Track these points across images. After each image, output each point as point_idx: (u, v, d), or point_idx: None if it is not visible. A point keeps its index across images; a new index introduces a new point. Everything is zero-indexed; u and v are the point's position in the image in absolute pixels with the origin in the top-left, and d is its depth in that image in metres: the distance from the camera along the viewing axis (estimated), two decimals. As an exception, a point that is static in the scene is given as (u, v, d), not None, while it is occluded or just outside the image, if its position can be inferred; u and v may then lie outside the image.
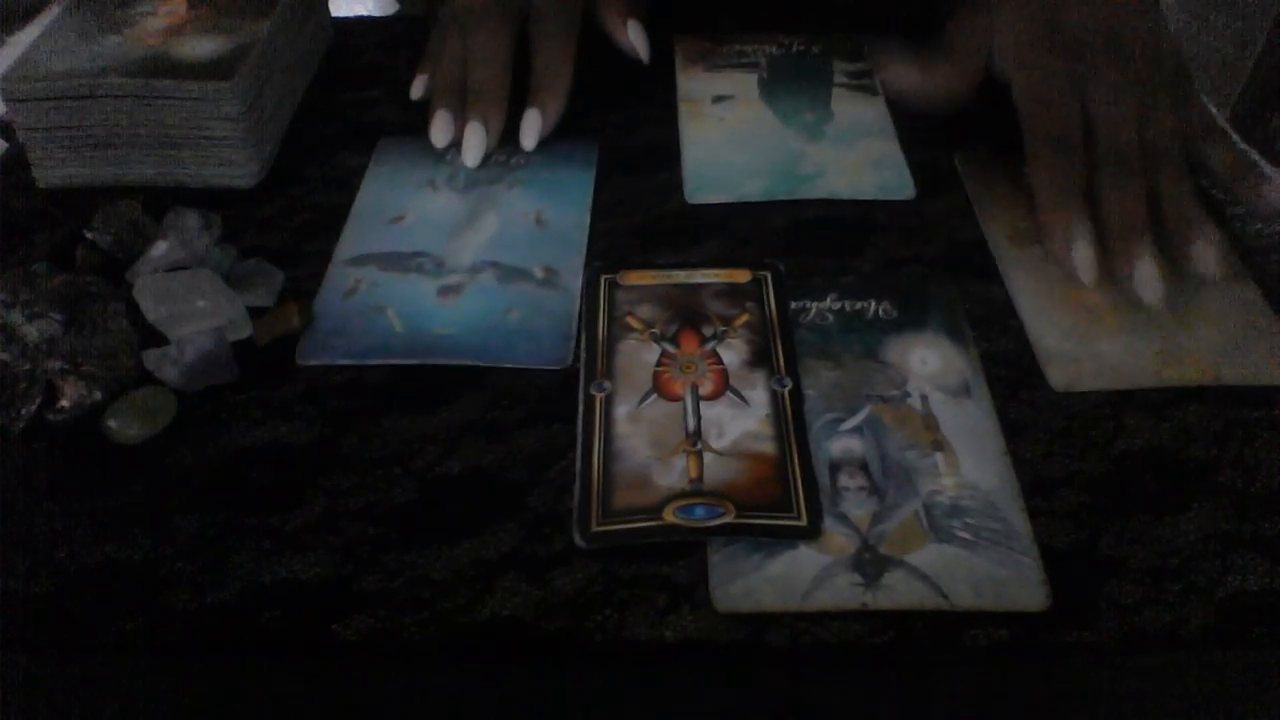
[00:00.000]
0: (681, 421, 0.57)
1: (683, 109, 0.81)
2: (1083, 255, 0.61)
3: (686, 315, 0.64)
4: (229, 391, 0.59)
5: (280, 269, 0.66)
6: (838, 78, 0.84)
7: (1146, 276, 0.60)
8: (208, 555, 0.51)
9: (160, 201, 0.69)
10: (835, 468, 0.55)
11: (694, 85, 0.84)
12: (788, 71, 0.85)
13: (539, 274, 0.67)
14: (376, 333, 0.63)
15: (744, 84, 0.83)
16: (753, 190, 0.73)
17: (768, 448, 0.56)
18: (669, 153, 0.77)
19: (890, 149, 0.77)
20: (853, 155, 0.76)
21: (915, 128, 0.79)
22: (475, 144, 0.73)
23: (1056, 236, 0.62)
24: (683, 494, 0.53)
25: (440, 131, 0.75)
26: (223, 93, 0.70)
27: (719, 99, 0.82)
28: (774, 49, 0.87)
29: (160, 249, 0.65)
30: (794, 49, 0.87)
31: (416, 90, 0.79)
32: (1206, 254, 0.60)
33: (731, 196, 0.73)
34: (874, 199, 0.72)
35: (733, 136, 0.78)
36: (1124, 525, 0.52)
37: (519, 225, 0.71)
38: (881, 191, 0.73)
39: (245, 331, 0.62)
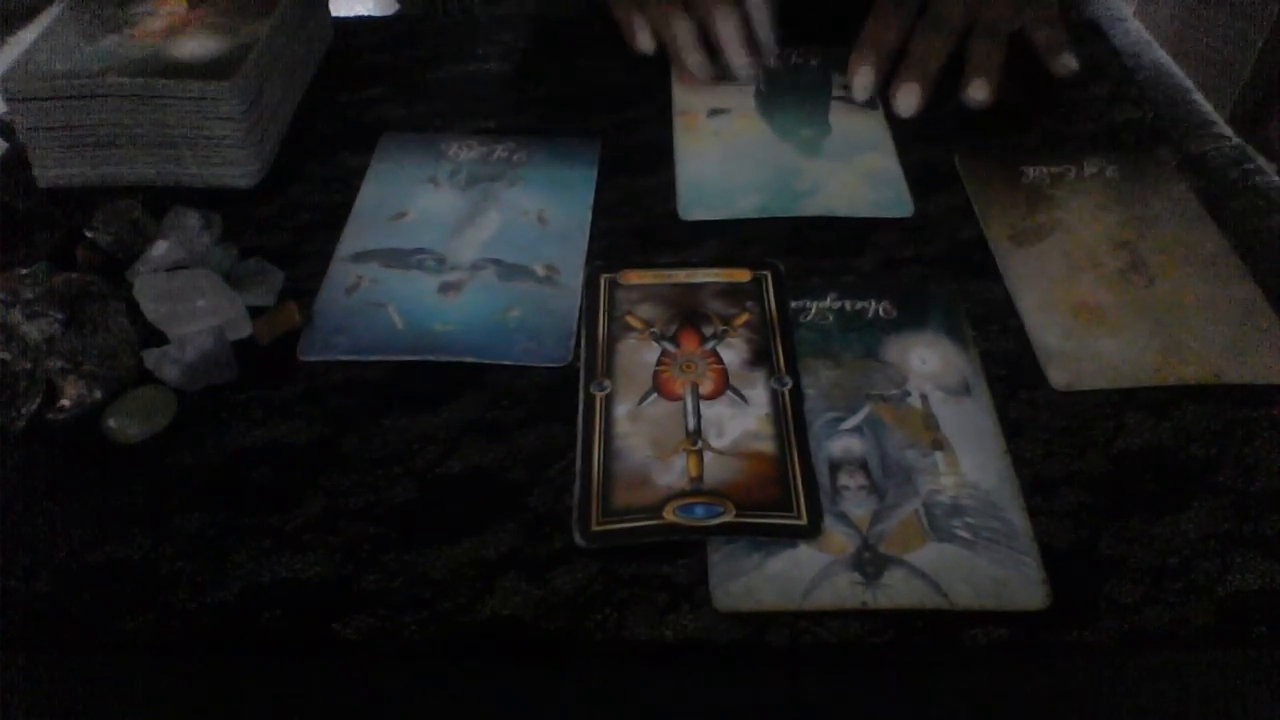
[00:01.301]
0: (681, 421, 0.57)
1: (678, 123, 0.80)
2: (860, 78, 0.79)
3: (686, 314, 0.64)
4: (229, 391, 0.59)
5: (280, 268, 0.66)
6: (836, 91, 0.83)
7: (903, 95, 0.77)
8: (208, 555, 0.51)
9: (160, 201, 0.69)
10: (835, 467, 0.55)
11: (690, 97, 0.83)
12: (786, 84, 0.84)
13: (540, 272, 0.67)
14: (378, 329, 0.63)
15: (741, 97, 0.83)
16: (747, 207, 0.72)
17: (768, 447, 0.56)
18: (671, 154, 0.77)
19: (889, 165, 0.76)
20: (850, 171, 0.75)
21: (915, 129, 0.79)
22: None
23: (852, 65, 0.80)
24: (683, 493, 0.53)
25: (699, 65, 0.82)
26: (223, 93, 0.70)
27: (715, 112, 0.81)
28: (772, 61, 0.87)
29: (160, 249, 0.65)
30: (792, 61, 0.87)
31: (646, 44, 0.82)
32: (978, 88, 0.77)
33: (725, 214, 0.72)
34: (872, 216, 0.71)
35: (728, 151, 0.77)
36: (1124, 525, 0.52)
37: (521, 223, 0.71)
38: (879, 209, 0.72)
39: (245, 330, 0.62)
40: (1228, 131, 0.79)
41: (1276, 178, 0.75)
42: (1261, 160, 0.76)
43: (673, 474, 0.54)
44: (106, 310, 0.61)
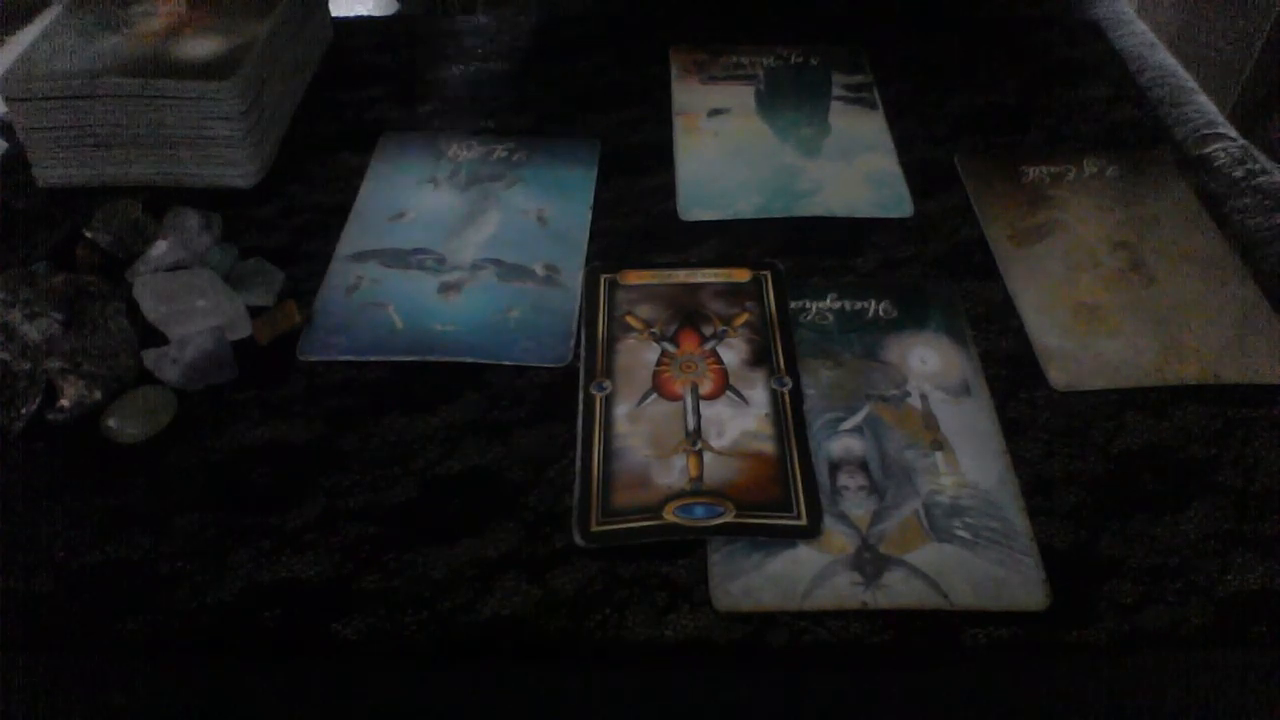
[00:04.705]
0: (681, 421, 0.57)
1: (678, 123, 0.80)
2: None
3: (686, 314, 0.64)
4: (229, 391, 0.59)
5: (280, 268, 0.66)
6: (836, 90, 0.83)
7: None
8: (208, 555, 0.51)
9: (160, 201, 0.69)
10: (835, 467, 0.55)
11: (690, 97, 0.83)
12: (785, 84, 0.84)
13: (540, 272, 0.67)
14: (378, 329, 0.63)
15: (741, 96, 0.83)
16: (747, 208, 0.72)
17: (767, 447, 0.56)
18: (671, 154, 0.77)
19: (888, 165, 0.76)
20: (850, 171, 0.75)
21: (915, 129, 0.79)
22: None
23: None
24: (682, 493, 0.53)
25: None
26: (223, 92, 0.70)
27: (715, 112, 0.81)
28: (771, 61, 0.86)
29: (160, 249, 0.65)
30: (792, 60, 0.86)
31: None
32: None
33: (725, 214, 0.72)
34: (871, 216, 0.72)
35: (727, 152, 0.77)
36: (1124, 525, 0.52)
37: (520, 223, 0.71)
38: (879, 209, 0.72)
39: (245, 330, 0.62)
40: (1232, 132, 0.79)
41: None
42: (1266, 161, 0.76)
43: (673, 474, 0.54)
44: (106, 310, 0.61)
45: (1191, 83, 0.87)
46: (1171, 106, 0.82)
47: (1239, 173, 0.75)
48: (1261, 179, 0.74)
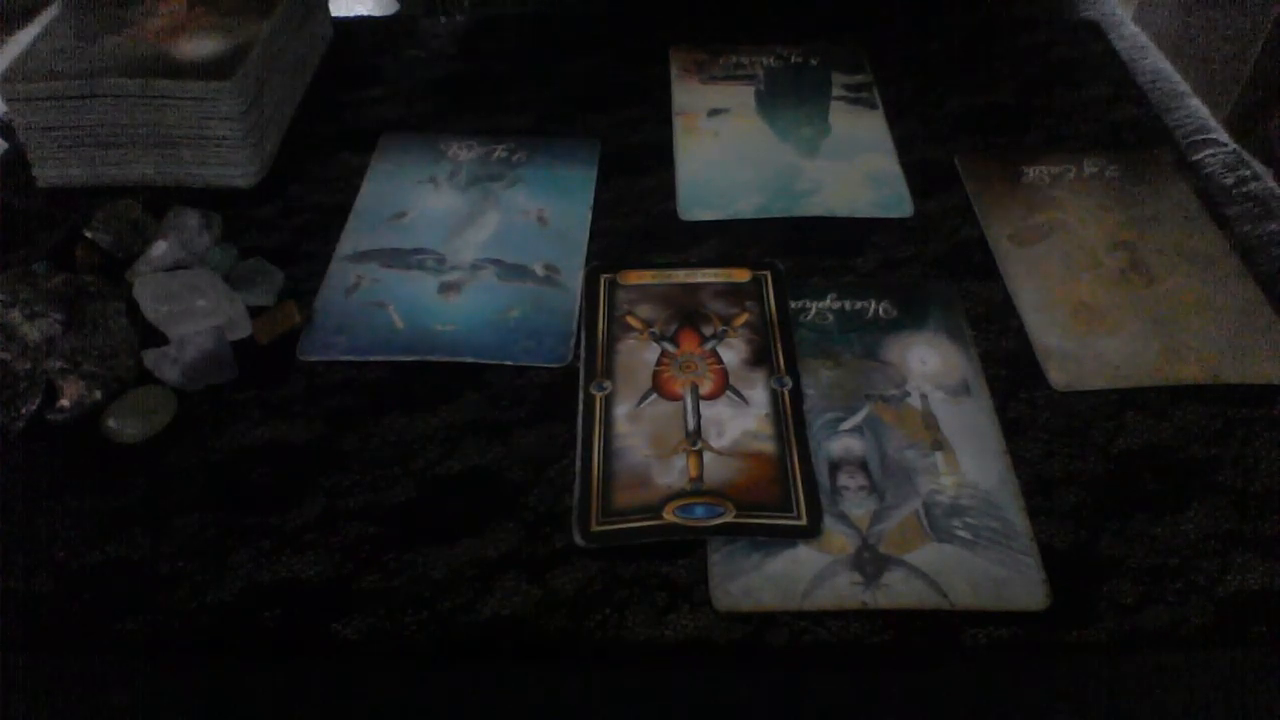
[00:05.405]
0: (681, 421, 0.57)
1: (678, 123, 0.80)
2: None
3: (686, 314, 0.64)
4: (229, 391, 0.59)
5: (280, 268, 0.66)
6: (836, 90, 0.83)
7: None
8: (208, 555, 0.51)
9: (160, 201, 0.69)
10: (835, 467, 0.55)
11: (690, 97, 0.83)
12: (785, 84, 0.84)
13: (540, 272, 0.67)
14: (378, 329, 0.63)
15: (741, 96, 0.83)
16: (747, 207, 0.72)
17: (767, 447, 0.56)
18: (671, 154, 0.77)
19: (888, 164, 0.76)
20: (850, 171, 0.75)
21: (916, 129, 0.79)
22: None
23: None
24: (682, 493, 0.53)
25: None
26: (223, 92, 0.70)
27: (715, 112, 0.81)
28: (771, 60, 0.86)
29: (160, 249, 0.65)
30: (792, 60, 0.87)
31: None
32: None
33: (725, 214, 0.72)
34: (871, 216, 0.72)
35: (728, 151, 0.77)
36: (1124, 524, 0.52)
37: (520, 223, 0.71)
38: (879, 209, 0.72)
39: (245, 330, 0.62)
40: (1224, 137, 0.79)
41: (1272, 183, 0.75)
42: (1258, 166, 0.76)
43: (673, 474, 0.54)
44: (106, 310, 0.61)
45: (1183, 86, 0.86)
46: (1162, 111, 0.82)
47: (1230, 179, 0.75)
48: (1253, 185, 0.74)
